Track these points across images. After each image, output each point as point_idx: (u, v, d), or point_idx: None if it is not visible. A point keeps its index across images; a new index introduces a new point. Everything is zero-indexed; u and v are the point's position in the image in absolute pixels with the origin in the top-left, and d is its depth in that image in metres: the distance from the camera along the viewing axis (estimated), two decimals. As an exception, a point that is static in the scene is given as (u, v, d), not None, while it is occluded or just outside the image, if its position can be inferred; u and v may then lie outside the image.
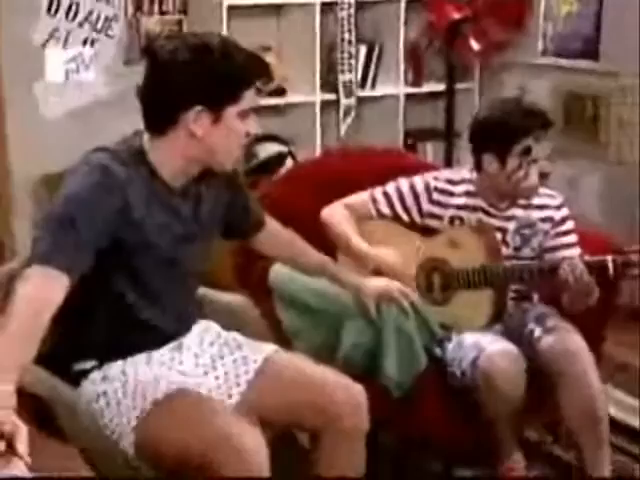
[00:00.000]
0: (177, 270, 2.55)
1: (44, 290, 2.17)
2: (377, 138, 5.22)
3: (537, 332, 3.08)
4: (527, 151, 3.04)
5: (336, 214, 3.30)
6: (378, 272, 3.13)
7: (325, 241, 3.25)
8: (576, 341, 3.03)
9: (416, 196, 3.25)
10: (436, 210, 3.23)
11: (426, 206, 3.23)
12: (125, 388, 2.45)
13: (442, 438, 3.13)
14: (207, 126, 2.34)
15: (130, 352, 2.51)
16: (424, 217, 3.24)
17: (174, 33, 4.85)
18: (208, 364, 2.60)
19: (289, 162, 4.95)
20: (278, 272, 3.24)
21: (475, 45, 4.98)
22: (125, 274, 2.43)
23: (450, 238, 3.18)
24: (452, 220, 3.21)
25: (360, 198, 3.33)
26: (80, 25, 4.45)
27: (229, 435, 2.27)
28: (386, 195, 3.29)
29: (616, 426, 3.41)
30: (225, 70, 2.31)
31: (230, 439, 2.26)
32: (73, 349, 2.51)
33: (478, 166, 3.12)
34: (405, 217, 3.26)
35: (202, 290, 2.84)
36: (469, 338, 3.05)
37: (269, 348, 2.65)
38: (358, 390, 2.59)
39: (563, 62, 4.97)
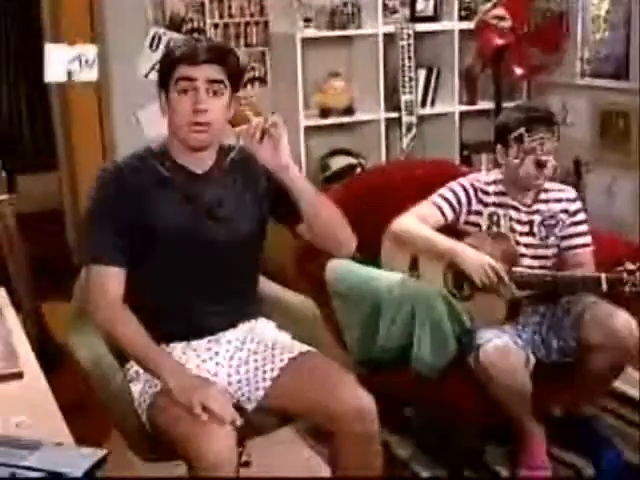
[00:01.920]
0: (213, 258, 2.65)
1: (103, 285, 2.57)
2: (436, 151, 5.63)
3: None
4: (519, 139, 3.28)
5: (411, 223, 3.40)
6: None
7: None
8: None
9: (468, 195, 3.44)
10: (480, 208, 3.43)
11: (474, 204, 3.43)
12: None
13: (472, 418, 3.36)
14: (166, 106, 2.61)
15: (172, 339, 2.68)
16: (471, 214, 3.43)
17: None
18: (243, 359, 2.74)
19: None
20: (332, 267, 3.50)
21: (517, 69, 5.29)
22: (160, 262, 2.60)
23: (471, 244, 3.34)
24: (490, 216, 3.41)
25: (425, 209, 3.43)
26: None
27: (197, 432, 2.38)
28: (446, 200, 3.43)
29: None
30: (163, 57, 2.64)
31: (196, 436, 2.37)
32: None
33: (496, 162, 3.43)
34: (463, 217, 3.43)
35: (270, 289, 3.04)
36: (481, 331, 3.24)
37: (297, 349, 2.75)
38: (367, 398, 2.61)
39: (598, 82, 5.29)
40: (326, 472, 2.79)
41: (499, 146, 3.39)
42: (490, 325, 3.27)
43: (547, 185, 3.45)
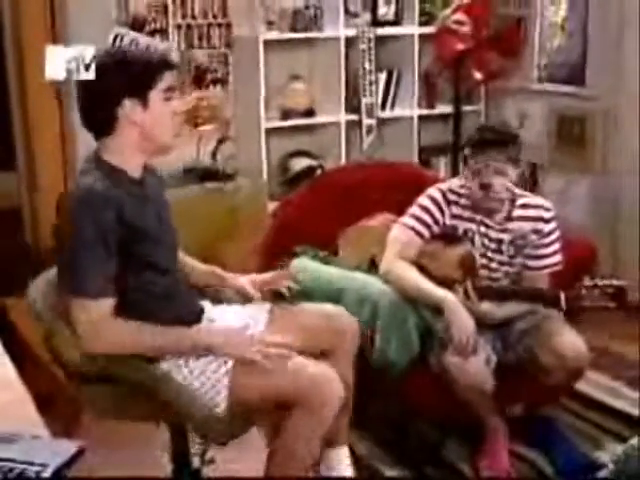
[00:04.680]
0: (169, 249, 2.74)
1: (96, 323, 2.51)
2: (395, 154, 5.64)
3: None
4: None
5: (399, 268, 3.33)
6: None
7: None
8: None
9: (441, 210, 3.36)
10: (455, 222, 3.36)
11: (448, 219, 3.36)
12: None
13: (433, 414, 3.44)
14: (140, 113, 2.58)
15: (184, 324, 2.71)
16: (447, 228, 3.36)
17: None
18: (231, 321, 2.88)
19: (319, 174, 5.32)
20: (295, 266, 3.50)
21: (477, 74, 5.39)
22: (145, 262, 2.62)
23: (431, 250, 3.35)
24: (465, 232, 3.34)
25: (402, 236, 3.37)
26: (140, 57, 5.02)
27: (319, 376, 2.59)
28: (420, 221, 3.36)
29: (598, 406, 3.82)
30: (139, 65, 2.57)
31: (306, 376, 2.58)
32: None
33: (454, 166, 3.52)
34: (436, 230, 3.36)
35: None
36: (443, 330, 3.21)
37: (268, 304, 2.99)
38: (353, 318, 2.99)
39: (554, 87, 5.39)
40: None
41: (463, 164, 3.40)
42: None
43: (525, 200, 3.38)
